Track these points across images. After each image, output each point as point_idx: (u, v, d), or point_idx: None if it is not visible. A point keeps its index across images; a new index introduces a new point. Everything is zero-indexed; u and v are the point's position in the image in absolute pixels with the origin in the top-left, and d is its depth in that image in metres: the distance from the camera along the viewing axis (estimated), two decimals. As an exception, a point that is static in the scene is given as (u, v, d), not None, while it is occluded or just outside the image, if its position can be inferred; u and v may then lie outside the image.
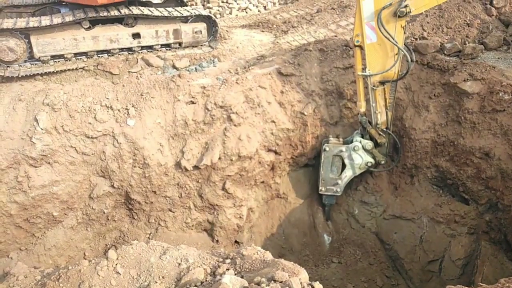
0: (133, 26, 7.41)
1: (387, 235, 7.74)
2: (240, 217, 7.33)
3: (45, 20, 6.83)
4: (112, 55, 7.42)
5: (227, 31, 9.29)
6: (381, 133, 7.02)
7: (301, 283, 3.26)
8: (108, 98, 6.62)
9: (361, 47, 6.33)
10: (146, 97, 6.82)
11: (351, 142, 7.27)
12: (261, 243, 7.69)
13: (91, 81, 6.89)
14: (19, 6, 8.15)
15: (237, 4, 12.19)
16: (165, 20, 7.60)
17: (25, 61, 6.95)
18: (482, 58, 7.16)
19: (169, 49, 7.94)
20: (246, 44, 8.84)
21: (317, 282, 3.37)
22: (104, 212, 6.68)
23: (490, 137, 6.60)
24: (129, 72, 7.22)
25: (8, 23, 6.67)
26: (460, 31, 7.93)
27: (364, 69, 6.44)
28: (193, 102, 7.02)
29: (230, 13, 11.85)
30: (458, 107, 6.96)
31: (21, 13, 8.10)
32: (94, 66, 7.09)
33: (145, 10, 7.34)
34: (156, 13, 7.42)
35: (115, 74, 7.07)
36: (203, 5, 11.50)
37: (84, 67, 7.07)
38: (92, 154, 6.41)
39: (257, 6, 12.43)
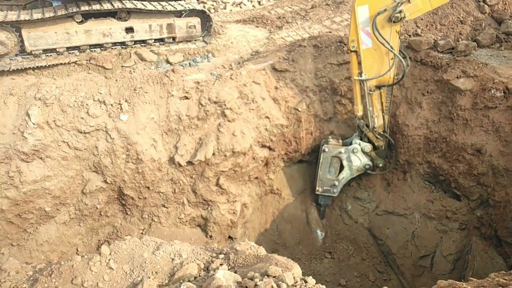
0: (126, 20, 7.34)
1: (380, 231, 7.81)
2: (233, 212, 7.34)
3: (37, 14, 6.74)
4: (105, 50, 7.35)
5: (221, 26, 9.24)
6: (378, 137, 7.12)
7: (294, 278, 3.28)
8: (101, 93, 6.56)
9: (357, 52, 6.38)
10: (140, 92, 6.77)
11: (350, 144, 7.33)
12: (255, 238, 7.72)
13: (84, 75, 6.82)
14: (10, -1, 8.03)
15: (232, -1, 12.12)
16: (158, 14, 7.53)
17: (16, 55, 6.86)
18: (475, 55, 7.21)
19: (163, 44, 7.88)
20: (240, 39, 8.81)
21: (310, 277, 3.40)
22: (97, 208, 6.64)
23: (482, 133, 6.67)
24: (122, 66, 7.16)
25: (-2, 16, 6.58)
26: (454, 28, 7.97)
27: (360, 74, 6.50)
28: (187, 98, 6.98)
29: (224, 8, 11.80)
30: (451, 103, 7.01)
31: (11, 6, 7.97)
32: (86, 60, 7.02)
33: (139, 4, 7.26)
34: (149, 7, 7.35)
35: (108, 69, 7.00)
36: (197, 0, 11.43)
37: (76, 61, 6.99)
38: (85, 149, 6.36)
39: (251, 1, 12.37)
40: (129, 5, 7.13)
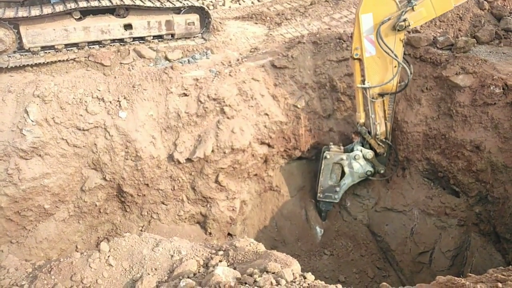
0: (124, 17, 7.31)
1: (379, 227, 7.83)
2: (233, 209, 7.35)
3: (35, 10, 6.70)
4: (104, 46, 7.32)
5: (220, 22, 9.21)
6: (380, 143, 7.11)
7: (293, 274, 3.29)
8: (99, 90, 6.54)
9: (360, 60, 6.36)
10: (138, 89, 6.76)
11: (352, 150, 7.33)
12: (254, 235, 7.73)
13: (82, 72, 6.80)
14: (8, -4, 7.99)
15: (231, -5, 12.06)
16: (157, 11, 7.50)
17: (14, 52, 6.84)
18: (474, 52, 7.21)
19: (162, 41, 7.85)
20: (239, 36, 8.78)
21: (309, 273, 3.41)
22: (96, 205, 6.64)
23: (481, 130, 6.67)
24: (120, 63, 7.13)
25: (-4, 13, 6.54)
26: (453, 25, 7.96)
27: (363, 81, 6.49)
28: (185, 95, 6.98)
29: (223, 4, 11.74)
30: (450, 100, 7.01)
31: (9, 2, 7.93)
32: (85, 57, 6.99)
33: (137, 1, 7.23)
34: (148, 3, 7.32)
35: (106, 66, 6.98)
36: (196, -3, 11.37)
37: (75, 58, 6.97)
38: (84, 146, 6.35)
39: (250, -2, 12.31)
40: (127, 1, 7.10)
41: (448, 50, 7.36)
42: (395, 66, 6.34)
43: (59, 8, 6.79)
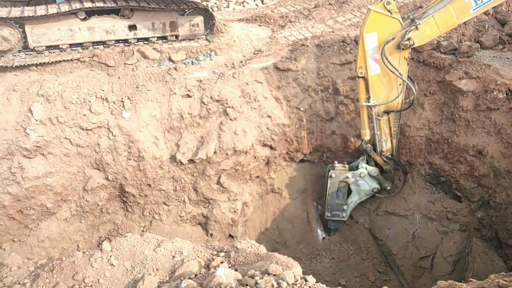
0: (129, 18, 7.35)
1: (380, 231, 7.81)
2: (234, 211, 7.36)
3: (40, 10, 6.74)
4: (108, 47, 7.36)
5: (224, 24, 9.23)
6: (387, 160, 7.10)
7: (294, 276, 3.29)
8: (103, 90, 6.57)
9: (365, 78, 6.38)
10: (142, 89, 6.78)
11: (357, 168, 7.32)
12: (255, 237, 7.73)
13: (87, 72, 6.83)
14: (13, -5, 8.04)
15: (235, -3, 12.10)
16: (162, 12, 7.53)
17: (19, 51, 6.88)
18: (477, 57, 7.20)
19: (166, 42, 7.88)
20: (243, 38, 8.80)
21: (310, 276, 3.41)
22: (98, 205, 6.66)
23: (484, 135, 6.66)
24: (124, 64, 7.16)
25: (2, 12, 6.58)
26: (457, 29, 7.95)
27: (368, 99, 6.50)
28: (189, 96, 7.00)
29: (227, 6, 11.77)
30: (453, 105, 7.00)
31: (15, 2, 7.98)
32: (89, 57, 7.02)
33: (142, 2, 7.27)
34: (152, 4, 7.35)
35: (110, 66, 7.01)
36: (200, -2, 11.42)
37: (79, 58, 7.00)
38: (87, 146, 6.38)
39: (254, 0, 12.36)
40: (132, 2, 7.13)
41: (451, 54, 7.36)
42: (400, 84, 6.37)
43: (65, 8, 6.83)
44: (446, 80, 6.98)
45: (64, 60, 6.93)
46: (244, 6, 11.78)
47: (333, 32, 8.47)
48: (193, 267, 3.81)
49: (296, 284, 3.21)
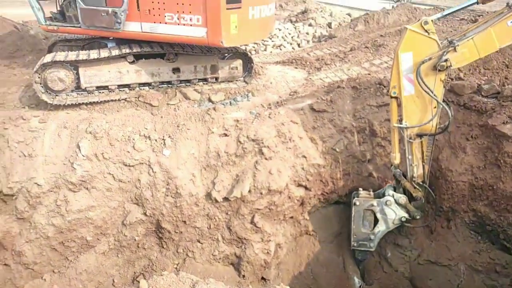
0: (173, 62, 7.80)
1: (422, 281, 7.35)
2: (267, 252, 7.23)
3: (93, 54, 7.31)
4: (153, 88, 7.80)
5: (261, 67, 9.59)
6: (417, 187, 6.74)
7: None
8: (146, 128, 6.89)
9: (398, 99, 6.25)
10: (182, 128, 7.05)
11: (383, 195, 7.01)
12: (289, 281, 7.50)
13: (132, 111, 7.23)
14: (70, 40, 8.82)
15: (272, 41, 12.62)
16: (203, 57, 7.96)
17: (72, 91, 7.39)
18: (522, 101, 6.97)
19: (206, 83, 8.25)
20: (279, 79, 9.07)
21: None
22: (135, 240, 6.79)
23: (533, 182, 6.30)
24: (167, 104, 7.53)
25: (60, 56, 7.20)
26: (499, 72, 7.80)
27: (400, 120, 6.32)
28: (226, 135, 7.19)
29: (265, 49, 12.27)
30: (497, 150, 6.73)
31: (72, 46, 8.74)
32: (135, 97, 7.45)
33: (186, 47, 7.72)
34: (195, 50, 7.79)
35: (154, 106, 7.39)
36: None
37: (126, 98, 7.45)
38: (128, 181, 6.61)
39: (291, 44, 12.81)
40: (177, 48, 7.60)
41: (493, 98, 7.17)
42: (435, 107, 6.12)
43: (115, 52, 7.36)
44: (489, 124, 6.77)
45: (112, 100, 7.39)
46: (281, 49, 12.23)
47: (369, 74, 8.55)
48: (228, 311, 3.75)
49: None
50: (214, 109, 7.36)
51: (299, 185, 7.46)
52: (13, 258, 6.40)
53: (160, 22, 6.91)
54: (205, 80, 8.21)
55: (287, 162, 7.30)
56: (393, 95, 6.22)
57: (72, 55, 7.29)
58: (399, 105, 6.23)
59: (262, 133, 7.14)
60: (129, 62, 7.57)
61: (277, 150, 7.21)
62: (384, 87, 7.86)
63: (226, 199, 6.97)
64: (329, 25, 15.18)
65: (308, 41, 13.44)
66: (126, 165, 6.59)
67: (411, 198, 6.86)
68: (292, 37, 13.55)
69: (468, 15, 12.10)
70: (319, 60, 9.88)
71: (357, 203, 7.05)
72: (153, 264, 6.88)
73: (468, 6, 6.23)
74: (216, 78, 8.26)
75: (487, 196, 6.88)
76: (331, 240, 7.87)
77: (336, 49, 10.79)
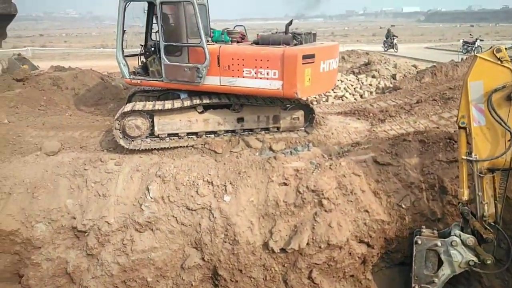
0: (239, 112, 8.22)
1: None
2: (325, 312, 6.81)
3: (168, 104, 7.97)
4: (218, 136, 8.21)
5: (322, 117, 9.68)
6: (488, 227, 5.98)
7: None
8: (210, 174, 7.18)
9: (466, 129, 5.81)
10: (243, 175, 7.23)
11: (449, 235, 6.32)
12: None
13: (198, 158, 7.62)
14: (148, 91, 9.77)
15: (334, 92, 12.77)
16: (267, 108, 8.28)
17: (146, 137, 8.06)
18: None
19: (268, 132, 8.50)
20: (341, 130, 9.03)
21: None
22: (192, 285, 6.84)
23: None
24: (230, 151, 7.84)
25: (138, 106, 7.97)
26: None
27: (469, 153, 5.81)
28: (285, 184, 7.19)
29: (327, 100, 12.42)
30: None
31: (148, 96, 9.65)
32: (202, 144, 7.90)
33: (251, 99, 8.12)
34: (260, 101, 8.16)
35: (218, 153, 7.73)
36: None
37: (193, 145, 7.92)
38: (190, 225, 6.82)
39: (353, 95, 12.84)
40: (243, 99, 8.03)
41: None
42: (509, 140, 5.53)
43: (187, 102, 7.97)
44: None
45: (181, 146, 7.90)
46: (342, 100, 12.29)
47: (438, 128, 8.19)
48: None
49: None
50: (275, 157, 7.48)
51: (361, 241, 7.08)
52: (80, 292, 6.77)
53: (238, 76, 7.46)
54: (267, 129, 8.47)
55: (348, 216, 7.03)
56: (461, 125, 5.79)
57: (149, 105, 8.03)
58: (468, 136, 5.77)
59: (322, 184, 7.04)
60: (198, 112, 8.13)
61: (338, 202, 7.01)
62: (455, 142, 7.44)
63: (283, 250, 6.82)
64: (394, 76, 15.05)
65: (371, 92, 13.38)
66: (189, 209, 6.84)
67: (481, 239, 6.06)
68: (354, 88, 13.61)
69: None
70: (383, 112, 9.73)
71: (419, 241, 6.42)
72: (207, 312, 6.82)
73: None
74: (278, 128, 8.48)
75: None
76: (396, 305, 7.22)
77: (401, 101, 10.58)
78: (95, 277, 6.74)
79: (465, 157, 5.89)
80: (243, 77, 7.38)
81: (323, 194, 6.97)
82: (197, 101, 7.96)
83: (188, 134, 8.09)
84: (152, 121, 8.00)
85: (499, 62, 5.47)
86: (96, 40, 57.32)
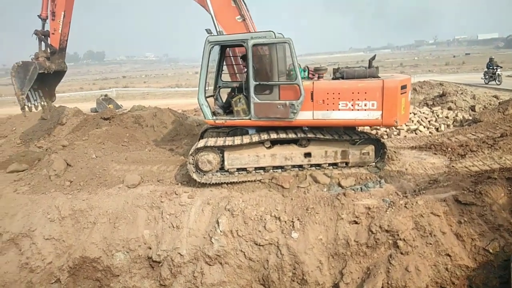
0: (305, 147, 8.22)
1: None
2: None
3: (237, 140, 8.26)
4: (285, 171, 8.25)
5: (394, 152, 9.25)
6: None
7: None
8: (277, 210, 7.18)
9: None
10: (311, 212, 7.11)
11: None
12: None
13: (265, 192, 7.70)
14: (218, 128, 10.20)
15: (406, 125, 12.21)
16: (335, 142, 8.18)
17: (216, 171, 8.37)
18: None
19: (336, 168, 8.32)
20: (416, 166, 8.53)
21: None
22: (258, 323, 6.73)
23: None
24: (298, 187, 7.80)
25: (211, 142, 8.38)
26: None
27: None
28: (356, 222, 6.91)
29: (399, 134, 11.88)
30: None
31: (219, 133, 10.08)
32: (269, 179, 7.98)
33: (318, 134, 8.10)
34: (327, 135, 8.10)
35: (285, 188, 7.73)
36: (370, 127, 11.94)
37: (261, 179, 8.03)
38: (257, 261, 6.81)
39: (428, 128, 12.15)
40: (309, 134, 8.04)
41: None
42: None
43: (255, 138, 8.19)
44: None
45: (249, 181, 8.06)
46: (416, 134, 11.68)
47: (529, 164, 7.36)
48: None
49: None
50: (344, 194, 7.27)
51: (443, 289, 6.44)
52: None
53: (333, 110, 7.66)
54: (335, 164, 8.31)
55: (427, 260, 6.48)
56: None
57: (220, 141, 8.40)
58: None
59: (397, 224, 6.63)
60: (266, 147, 8.29)
61: (415, 244, 6.52)
62: (553, 179, 6.60)
63: (355, 293, 6.46)
64: (472, 108, 14.01)
65: (448, 125, 12.54)
66: (256, 244, 6.86)
67: None
68: (429, 121, 12.88)
69: None
70: (463, 146, 9.02)
71: None
72: None
73: None
74: (347, 163, 8.28)
75: None
76: None
77: (482, 134, 9.76)
78: (167, 307, 6.96)
79: None
80: (339, 109, 7.59)
81: (398, 235, 6.55)
82: (264, 136, 8.15)
83: (256, 168, 8.25)
84: (223, 156, 8.32)
85: None
86: (172, 80, 62.27)
